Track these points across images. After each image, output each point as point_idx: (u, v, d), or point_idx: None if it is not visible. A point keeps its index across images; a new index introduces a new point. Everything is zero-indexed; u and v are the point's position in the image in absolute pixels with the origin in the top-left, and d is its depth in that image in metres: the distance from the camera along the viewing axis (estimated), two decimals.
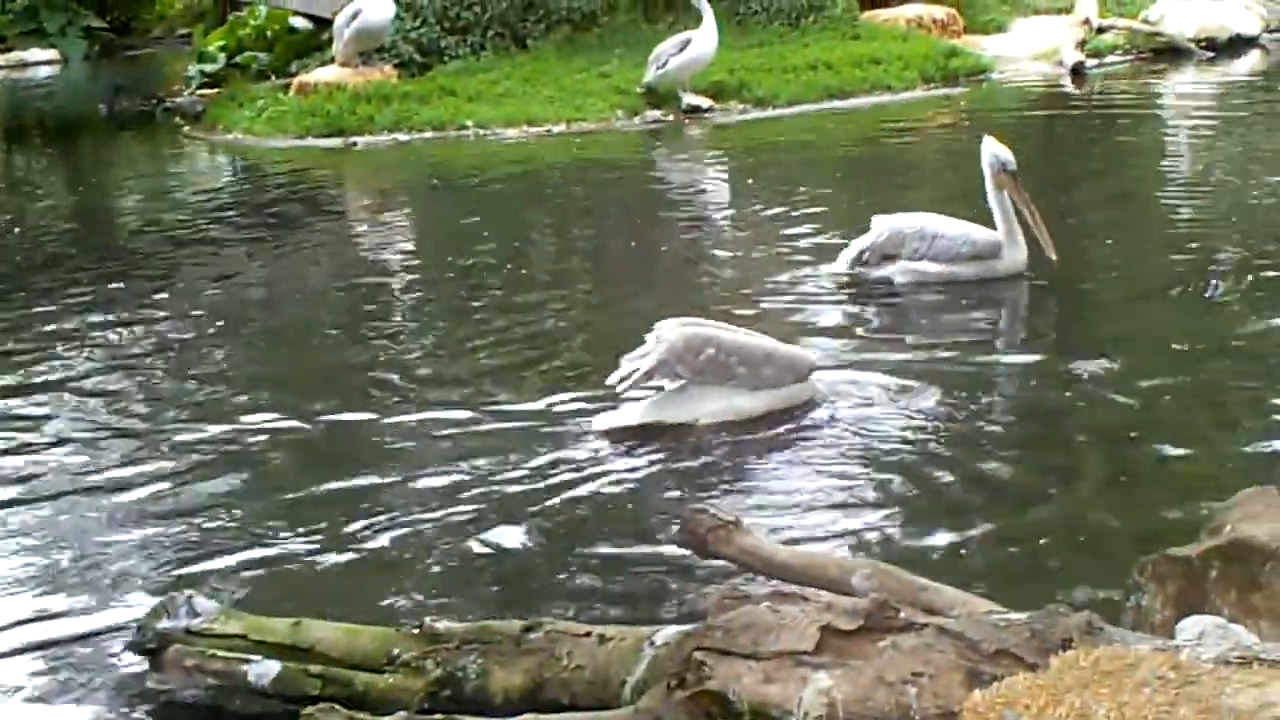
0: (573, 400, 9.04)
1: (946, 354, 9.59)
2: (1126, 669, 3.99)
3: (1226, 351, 9.37)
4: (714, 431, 8.44)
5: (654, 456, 8.14)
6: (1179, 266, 11.26)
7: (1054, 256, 10.59)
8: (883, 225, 11.18)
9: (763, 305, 10.93)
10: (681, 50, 20.23)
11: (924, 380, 8.94)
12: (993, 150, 10.69)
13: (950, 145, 18.74)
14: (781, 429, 8.43)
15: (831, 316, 10.65)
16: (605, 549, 7.04)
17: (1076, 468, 7.81)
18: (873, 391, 8.83)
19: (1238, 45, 23.88)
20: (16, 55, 34.74)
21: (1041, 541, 6.82)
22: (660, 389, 8.57)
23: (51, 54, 34.80)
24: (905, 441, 8.15)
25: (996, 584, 6.10)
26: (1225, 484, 6.31)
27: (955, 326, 10.38)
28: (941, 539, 6.90)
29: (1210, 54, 23.56)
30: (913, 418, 8.46)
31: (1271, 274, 10.86)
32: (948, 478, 7.66)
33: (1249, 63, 23.32)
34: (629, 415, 8.51)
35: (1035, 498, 7.40)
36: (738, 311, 10.59)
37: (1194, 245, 11.91)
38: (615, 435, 8.40)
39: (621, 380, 8.42)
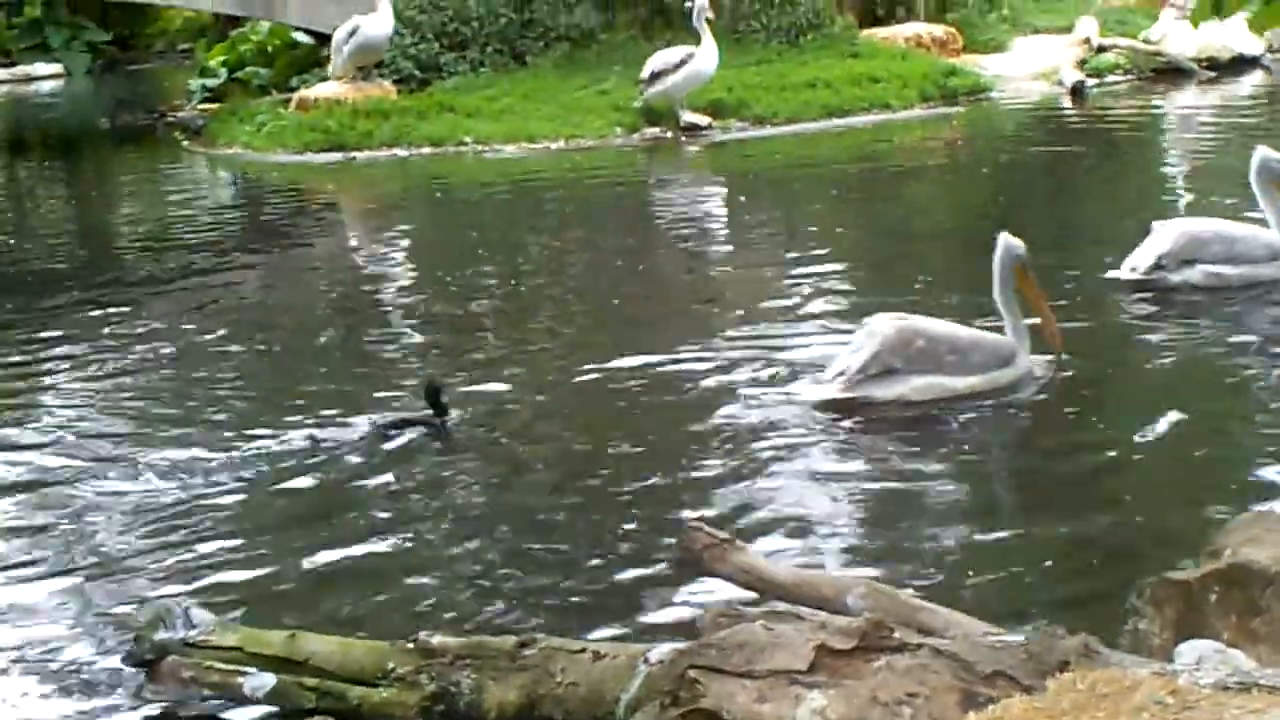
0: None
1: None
2: (1124, 693, 3.96)
3: None
4: (723, 443, 8.47)
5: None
6: None
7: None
8: (1173, 230, 11.17)
9: (759, 322, 10.92)
10: (681, 66, 20.21)
11: None
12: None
13: (949, 163, 18.77)
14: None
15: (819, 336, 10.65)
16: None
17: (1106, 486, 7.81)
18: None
19: (1240, 65, 23.85)
20: (21, 69, 34.84)
21: (1045, 563, 6.81)
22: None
23: (55, 68, 34.90)
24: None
25: (993, 604, 6.09)
26: None
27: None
28: (943, 554, 6.90)
29: (1212, 74, 23.54)
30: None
31: None
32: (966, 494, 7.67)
33: (1251, 83, 23.30)
34: (834, 389, 8.88)
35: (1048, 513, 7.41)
36: (732, 331, 10.62)
37: None
38: (822, 407, 8.81)
39: (839, 375, 8.84)
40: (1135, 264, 11.10)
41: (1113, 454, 8.09)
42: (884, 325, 8.98)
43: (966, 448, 8.54)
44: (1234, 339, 10.04)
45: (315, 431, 9.00)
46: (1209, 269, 10.98)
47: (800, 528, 7.31)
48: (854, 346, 8.98)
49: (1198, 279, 10.98)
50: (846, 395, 8.85)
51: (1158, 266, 11.06)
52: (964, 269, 11.06)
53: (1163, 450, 8.10)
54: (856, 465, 8.21)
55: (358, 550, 7.35)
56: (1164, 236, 11.11)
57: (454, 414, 9.03)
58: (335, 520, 7.74)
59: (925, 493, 7.76)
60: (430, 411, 8.97)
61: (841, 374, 8.87)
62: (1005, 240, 9.26)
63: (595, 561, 7.09)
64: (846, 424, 8.71)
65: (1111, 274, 11.22)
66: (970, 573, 6.69)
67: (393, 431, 8.92)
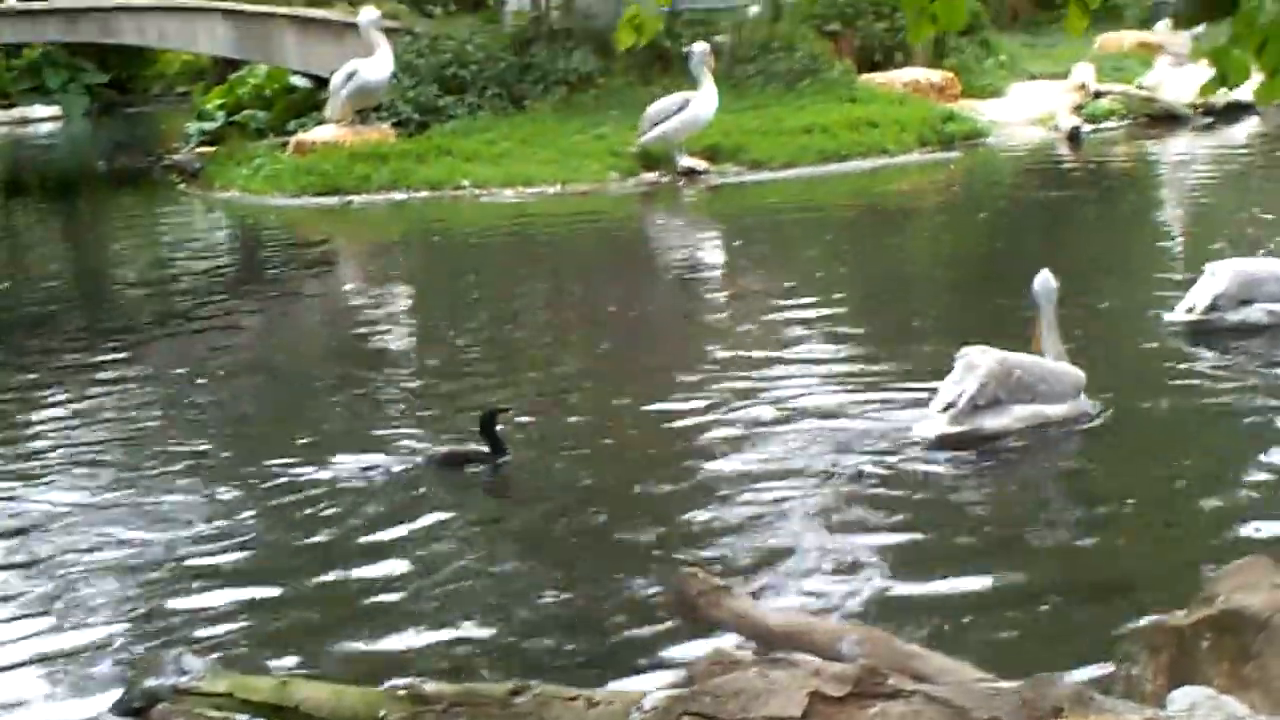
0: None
1: None
2: None
3: None
4: (720, 486, 8.46)
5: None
6: None
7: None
8: (1228, 271, 11.21)
9: (757, 366, 10.93)
10: (680, 111, 20.26)
11: None
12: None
13: (947, 208, 18.81)
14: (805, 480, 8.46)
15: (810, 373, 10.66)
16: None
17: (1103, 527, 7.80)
18: None
19: (1234, 112, 23.92)
20: (19, 111, 34.98)
21: (1041, 607, 6.79)
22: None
23: (53, 110, 35.05)
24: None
25: (989, 650, 6.07)
26: None
27: None
28: (942, 598, 6.88)
29: (1207, 120, 23.64)
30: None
31: None
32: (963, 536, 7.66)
33: (1245, 129, 23.38)
34: (945, 422, 9.10)
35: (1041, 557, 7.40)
36: (729, 376, 10.62)
37: None
38: (937, 442, 8.97)
39: (949, 406, 9.07)
40: (1192, 304, 11.15)
41: (1130, 499, 8.10)
42: (984, 358, 9.25)
43: (975, 490, 8.52)
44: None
45: (369, 461, 9.09)
46: (1267, 307, 11.04)
47: (803, 571, 7.30)
48: (955, 379, 9.20)
49: (1256, 318, 11.04)
50: (959, 429, 9.01)
51: (1214, 307, 11.10)
52: (961, 311, 11.06)
53: (1178, 492, 8.15)
54: (860, 511, 8.17)
55: (355, 592, 7.34)
56: (1219, 277, 11.15)
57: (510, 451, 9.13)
58: (336, 563, 7.72)
59: (926, 535, 7.75)
60: (485, 447, 9.07)
61: (951, 406, 9.07)
62: (1045, 276, 9.52)
63: (589, 606, 7.07)
64: (848, 467, 8.71)
65: (1168, 316, 11.23)
66: (966, 619, 6.68)
67: (448, 465, 9.04)
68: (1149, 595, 6.55)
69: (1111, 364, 10.37)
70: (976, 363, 9.22)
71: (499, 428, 9.08)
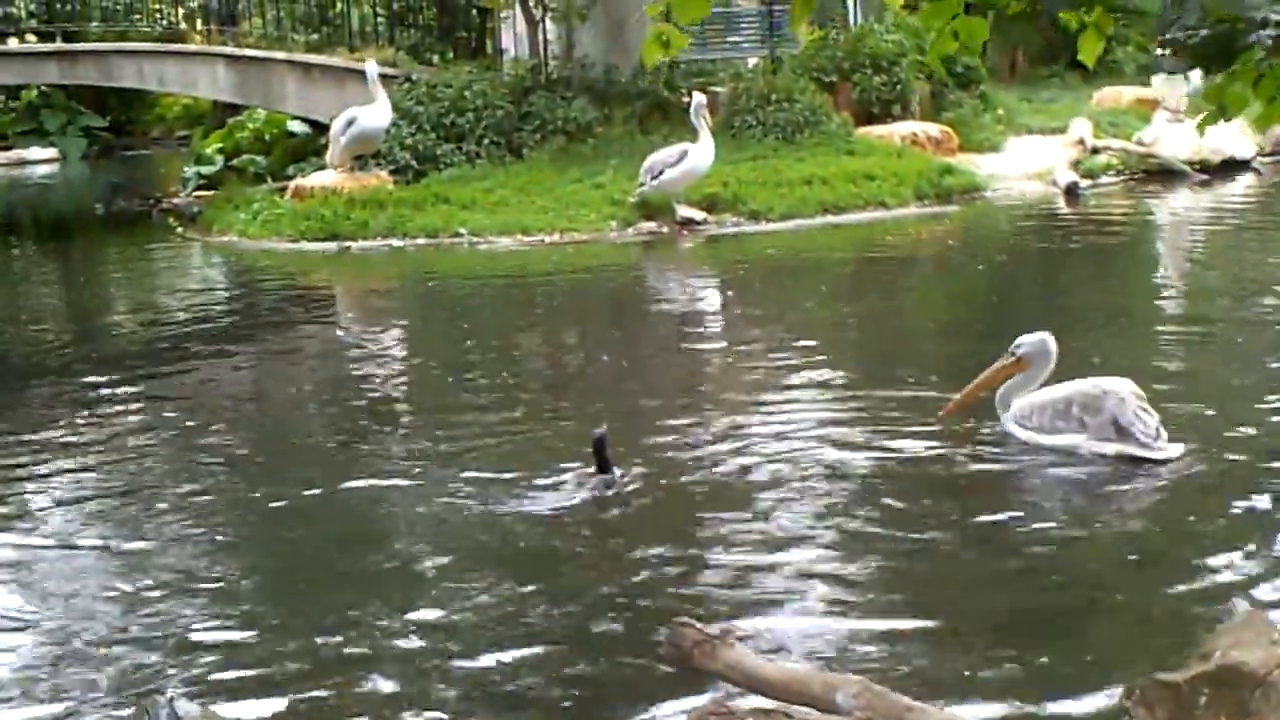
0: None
1: None
2: None
3: None
4: (717, 537, 8.43)
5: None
6: None
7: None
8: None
9: (752, 416, 10.91)
10: (679, 162, 20.31)
11: None
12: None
13: (944, 261, 18.82)
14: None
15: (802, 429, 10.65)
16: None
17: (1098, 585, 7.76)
18: None
19: (1231, 168, 24.02)
20: (16, 153, 35.07)
21: (1041, 660, 6.75)
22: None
23: (51, 152, 35.15)
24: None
25: (986, 703, 6.03)
26: None
27: None
28: (934, 653, 6.84)
29: (1203, 176, 23.71)
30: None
31: None
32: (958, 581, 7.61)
33: (1242, 185, 23.46)
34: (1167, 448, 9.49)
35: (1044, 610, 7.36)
36: (722, 421, 10.60)
37: None
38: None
39: (1156, 437, 9.46)
40: None
41: (1131, 553, 8.07)
42: (1126, 385, 9.70)
43: (975, 539, 8.48)
44: None
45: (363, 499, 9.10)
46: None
47: (799, 620, 7.26)
48: (1134, 409, 9.50)
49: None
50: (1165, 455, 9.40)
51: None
52: (956, 361, 11.03)
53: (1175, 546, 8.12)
54: (857, 560, 8.13)
55: (348, 641, 7.30)
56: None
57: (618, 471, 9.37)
58: (328, 605, 7.68)
59: (924, 585, 7.71)
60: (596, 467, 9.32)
61: (1157, 435, 9.44)
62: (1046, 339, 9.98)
63: (582, 657, 7.02)
64: (851, 513, 8.71)
65: None
66: (966, 671, 6.63)
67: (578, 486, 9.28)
68: (1149, 651, 6.53)
69: None
70: (1123, 390, 9.62)
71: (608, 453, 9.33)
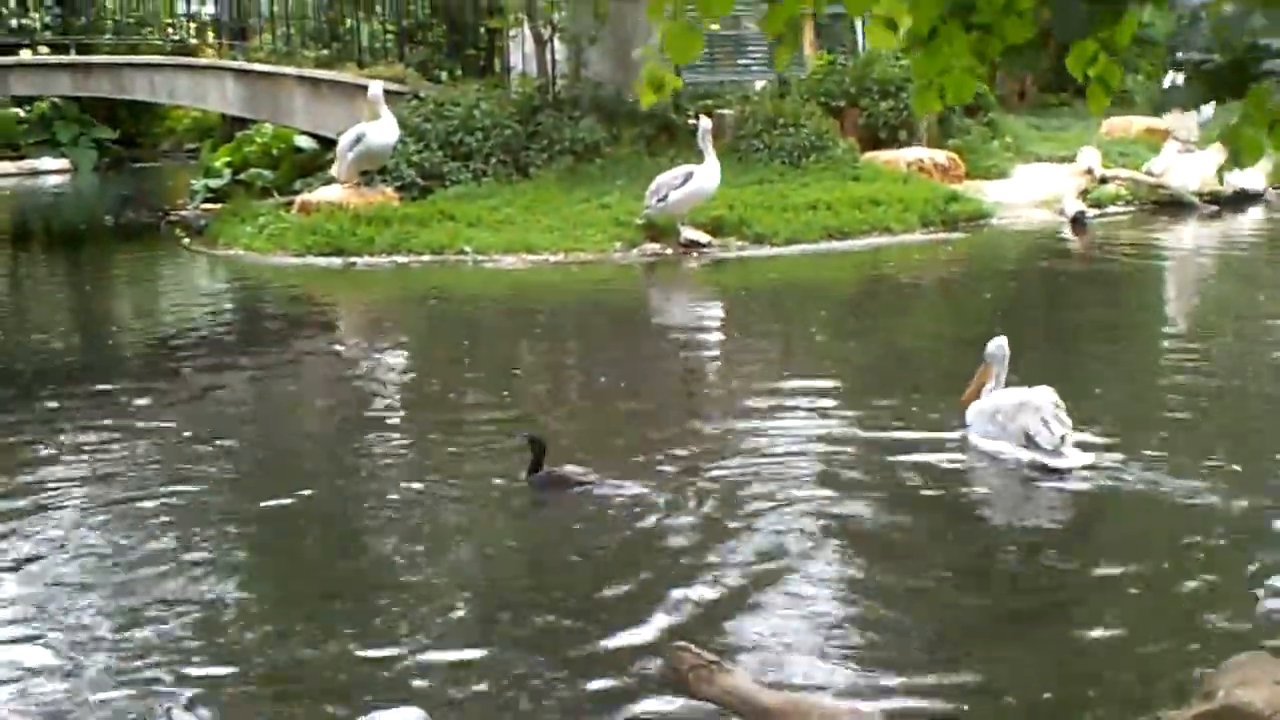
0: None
1: None
2: None
3: None
4: (716, 565, 8.39)
5: None
6: None
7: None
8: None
9: (749, 439, 10.89)
10: (684, 184, 20.27)
11: None
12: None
13: (947, 288, 18.78)
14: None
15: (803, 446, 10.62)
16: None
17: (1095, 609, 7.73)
18: None
19: (1242, 200, 23.91)
20: (28, 163, 35.15)
21: (1043, 695, 6.71)
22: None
23: (63, 163, 35.23)
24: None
25: None
26: None
27: None
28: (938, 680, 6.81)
29: (1214, 208, 23.60)
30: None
31: None
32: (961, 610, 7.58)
33: (1252, 218, 23.36)
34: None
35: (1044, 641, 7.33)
36: (723, 444, 10.58)
37: None
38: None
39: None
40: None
41: (1134, 589, 8.02)
42: (1045, 395, 10.09)
43: (973, 566, 8.46)
44: None
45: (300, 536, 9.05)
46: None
47: (798, 647, 7.23)
48: (1043, 419, 9.89)
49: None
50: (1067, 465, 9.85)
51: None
52: (958, 385, 11.01)
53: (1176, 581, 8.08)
54: (858, 586, 8.10)
55: (343, 652, 7.30)
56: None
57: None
58: (321, 622, 7.67)
59: (925, 612, 7.71)
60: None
61: (1061, 443, 9.89)
62: (1001, 341, 10.60)
63: (577, 682, 6.98)
64: (855, 542, 8.68)
65: None
66: (966, 705, 6.59)
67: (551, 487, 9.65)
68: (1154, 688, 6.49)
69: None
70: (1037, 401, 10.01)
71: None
